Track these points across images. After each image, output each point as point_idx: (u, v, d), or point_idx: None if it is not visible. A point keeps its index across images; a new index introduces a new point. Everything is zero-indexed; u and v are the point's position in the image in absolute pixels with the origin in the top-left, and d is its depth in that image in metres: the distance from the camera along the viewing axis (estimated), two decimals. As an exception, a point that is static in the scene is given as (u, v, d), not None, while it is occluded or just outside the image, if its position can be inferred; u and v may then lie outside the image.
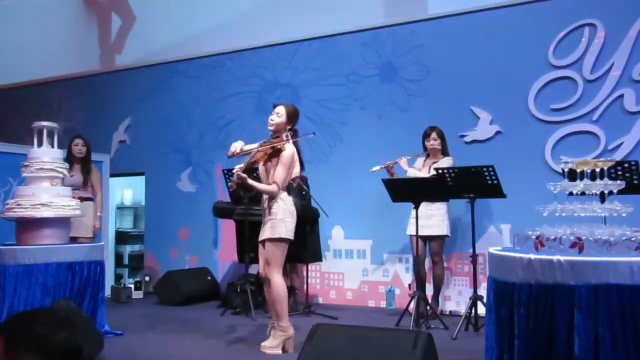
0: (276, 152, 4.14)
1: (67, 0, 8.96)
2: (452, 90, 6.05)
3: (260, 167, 4.26)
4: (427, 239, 5.38)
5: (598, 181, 2.93)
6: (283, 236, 4.07)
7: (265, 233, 4.11)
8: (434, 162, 5.33)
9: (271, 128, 4.25)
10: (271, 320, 4.25)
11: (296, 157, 4.21)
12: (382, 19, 6.53)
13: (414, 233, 5.05)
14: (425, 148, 5.47)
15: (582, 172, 2.99)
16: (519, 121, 5.72)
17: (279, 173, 4.09)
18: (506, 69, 5.80)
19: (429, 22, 6.24)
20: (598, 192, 2.93)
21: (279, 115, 4.22)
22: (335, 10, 6.82)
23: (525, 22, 5.78)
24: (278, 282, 4.10)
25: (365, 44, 6.58)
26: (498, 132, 5.83)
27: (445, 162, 5.28)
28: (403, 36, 6.37)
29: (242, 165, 4.12)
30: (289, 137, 4.16)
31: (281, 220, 4.08)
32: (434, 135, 5.41)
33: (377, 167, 5.44)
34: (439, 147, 5.41)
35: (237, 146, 4.22)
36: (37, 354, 1.61)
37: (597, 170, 2.97)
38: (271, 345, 4.12)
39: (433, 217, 5.28)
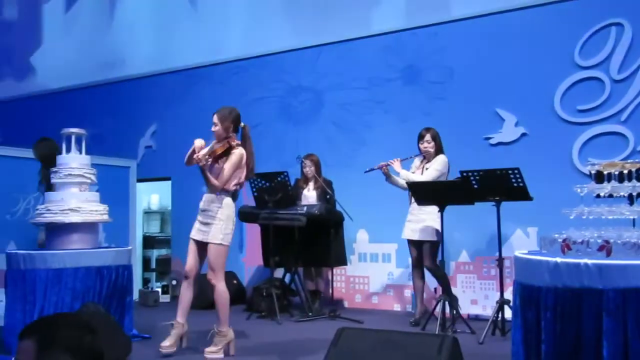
0: (226, 153, 4.23)
1: (94, 7, 9.11)
2: (476, 93, 6.01)
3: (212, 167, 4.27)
4: (418, 244, 5.33)
5: (626, 183, 2.89)
6: (224, 242, 4.19)
7: (209, 235, 4.17)
8: (428, 162, 5.33)
9: (216, 139, 4.33)
10: (215, 325, 4.24)
11: (244, 161, 4.31)
12: (404, 22, 6.52)
13: (407, 237, 5.33)
14: (419, 150, 5.39)
15: (609, 174, 2.95)
16: (545, 123, 5.66)
17: (225, 171, 4.20)
18: (531, 70, 5.74)
19: (452, 24, 6.21)
20: (626, 195, 2.89)
21: (215, 124, 4.32)
22: (357, 14, 6.82)
23: (551, 23, 5.71)
24: (222, 289, 4.22)
25: (388, 47, 6.57)
26: (524, 134, 5.77)
27: (437, 162, 5.25)
28: (425, 39, 6.35)
29: (206, 151, 4.15)
30: (233, 141, 4.28)
31: (224, 225, 4.18)
32: (427, 137, 5.32)
33: (371, 169, 5.41)
34: (432, 150, 5.31)
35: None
36: (70, 356, 1.63)
37: (625, 172, 2.92)
38: (213, 350, 4.17)
39: (425, 222, 5.22)
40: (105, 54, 8.85)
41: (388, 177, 5.41)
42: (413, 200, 5.29)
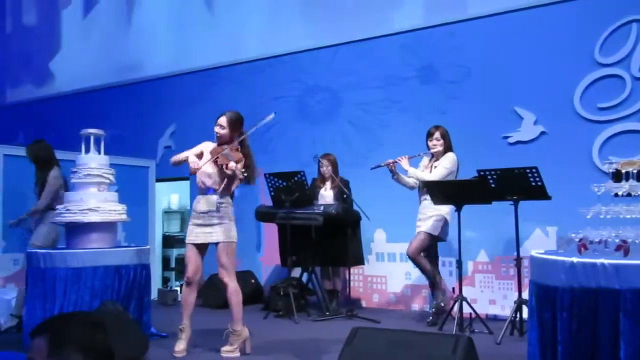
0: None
1: (113, 8, 9.21)
2: (494, 91, 5.96)
3: (213, 169, 4.25)
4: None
5: (644, 182, 2.85)
6: (235, 240, 4.27)
7: (217, 236, 4.20)
8: (437, 160, 5.28)
9: (218, 140, 4.32)
10: (230, 324, 4.28)
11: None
12: (421, 21, 6.49)
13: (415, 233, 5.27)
14: (428, 148, 5.35)
15: (627, 173, 2.91)
16: (564, 121, 5.59)
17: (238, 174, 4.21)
18: (550, 68, 5.68)
19: (469, 22, 6.17)
20: (644, 193, 2.85)
21: (222, 127, 4.29)
22: (374, 13, 6.81)
23: (570, 20, 5.65)
24: (236, 287, 4.27)
25: (405, 46, 6.55)
26: (543, 133, 5.71)
27: (446, 160, 5.20)
28: (442, 37, 6.31)
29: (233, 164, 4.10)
30: (239, 145, 4.27)
31: (231, 224, 4.26)
32: (437, 135, 5.27)
33: (378, 165, 5.36)
34: (441, 149, 5.26)
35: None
36: (82, 355, 1.65)
37: (644, 170, 2.88)
38: (229, 349, 4.20)
39: (431, 218, 5.20)
40: (124, 57, 8.94)
41: (394, 174, 5.36)
42: (423, 199, 5.27)
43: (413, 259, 5.27)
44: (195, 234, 4.27)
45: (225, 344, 4.25)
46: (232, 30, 7.87)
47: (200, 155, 4.29)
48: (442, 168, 5.18)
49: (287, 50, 7.37)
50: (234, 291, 4.26)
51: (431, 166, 5.30)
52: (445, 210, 5.18)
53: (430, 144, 5.30)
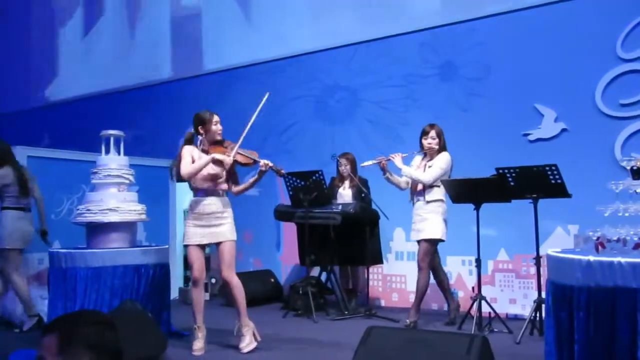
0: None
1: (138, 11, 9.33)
2: (514, 88, 5.90)
3: (217, 168, 4.36)
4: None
5: (664, 179, 2.80)
6: (235, 239, 4.39)
7: (223, 235, 4.32)
8: (430, 160, 5.07)
9: (220, 138, 4.48)
10: (237, 322, 4.37)
11: None
12: (440, 18, 6.44)
13: (414, 239, 5.09)
14: (422, 146, 5.14)
15: (646, 170, 2.85)
16: (586, 118, 5.50)
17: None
18: (571, 64, 5.60)
19: (488, 19, 6.10)
20: (664, 191, 2.79)
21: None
22: (393, 10, 6.78)
23: (591, 15, 5.56)
24: (239, 282, 4.37)
25: (424, 43, 6.51)
26: (564, 130, 5.63)
27: (441, 160, 5.00)
28: (462, 34, 6.26)
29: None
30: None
31: (233, 222, 4.41)
32: (432, 133, 5.06)
33: (369, 162, 5.23)
34: (436, 147, 5.06)
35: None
36: (92, 353, 1.68)
37: (664, 167, 2.83)
38: (247, 342, 4.28)
39: (426, 221, 4.98)
40: (144, 58, 9.04)
41: (385, 172, 5.14)
42: (417, 200, 5.09)
43: (428, 269, 5.12)
44: (201, 235, 4.32)
45: (240, 339, 4.31)
46: (252, 31, 7.90)
47: (193, 161, 4.33)
48: (437, 168, 4.98)
49: (306, 50, 7.37)
50: (239, 286, 4.37)
51: (425, 165, 5.10)
52: (441, 210, 5.02)
53: (425, 142, 5.09)
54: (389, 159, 5.11)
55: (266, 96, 4.52)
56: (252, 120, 4.48)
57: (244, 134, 4.44)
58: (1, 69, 11.27)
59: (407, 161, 5.24)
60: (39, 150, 6.61)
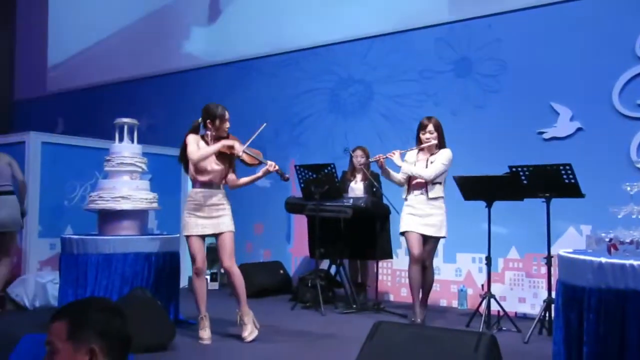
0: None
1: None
2: (530, 86, 5.85)
3: (220, 164, 4.42)
4: (423, 238, 4.86)
5: (680, 181, 2.76)
6: (234, 229, 4.45)
7: (225, 225, 4.38)
8: (432, 155, 4.87)
9: (226, 134, 4.51)
10: (237, 311, 4.42)
11: None
12: (456, 14, 6.39)
13: (410, 229, 4.82)
14: (419, 141, 4.93)
15: (662, 172, 2.82)
16: (602, 117, 5.45)
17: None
18: (589, 62, 5.54)
19: (505, 15, 6.05)
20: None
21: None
22: (409, 4, 6.74)
23: (609, 13, 5.49)
24: (239, 272, 4.43)
25: (440, 39, 6.47)
26: (579, 129, 5.58)
27: (443, 156, 4.80)
28: (478, 30, 6.21)
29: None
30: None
31: (231, 214, 4.46)
32: (430, 127, 4.84)
33: (366, 161, 5.17)
34: (435, 141, 4.85)
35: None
36: (101, 339, 1.69)
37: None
38: (249, 330, 4.32)
39: (432, 216, 4.82)
40: (161, 47, 9.06)
41: (384, 170, 4.96)
42: (419, 193, 4.85)
43: (429, 265, 5.00)
44: (202, 226, 4.36)
45: (242, 328, 4.35)
46: (267, 22, 7.88)
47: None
48: (440, 164, 4.79)
49: (321, 42, 7.35)
50: (240, 276, 4.41)
51: (427, 160, 4.88)
52: (445, 207, 4.91)
53: (423, 137, 4.87)
54: (387, 157, 4.94)
55: (263, 126, 4.63)
56: (258, 132, 4.58)
57: (253, 137, 4.54)
58: (17, 55, 11.34)
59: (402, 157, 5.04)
60: (53, 137, 6.65)
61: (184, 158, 4.43)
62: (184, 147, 4.38)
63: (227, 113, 4.44)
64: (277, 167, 4.40)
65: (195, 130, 4.44)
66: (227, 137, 4.47)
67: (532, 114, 5.77)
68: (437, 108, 6.41)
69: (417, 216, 4.84)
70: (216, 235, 4.41)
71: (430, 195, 4.85)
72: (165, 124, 8.55)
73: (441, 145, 4.91)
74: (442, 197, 4.90)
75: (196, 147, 4.29)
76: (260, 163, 4.47)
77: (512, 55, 5.99)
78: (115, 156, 4.88)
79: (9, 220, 5.17)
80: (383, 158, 4.93)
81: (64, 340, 1.65)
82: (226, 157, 4.41)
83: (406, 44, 6.72)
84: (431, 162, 4.84)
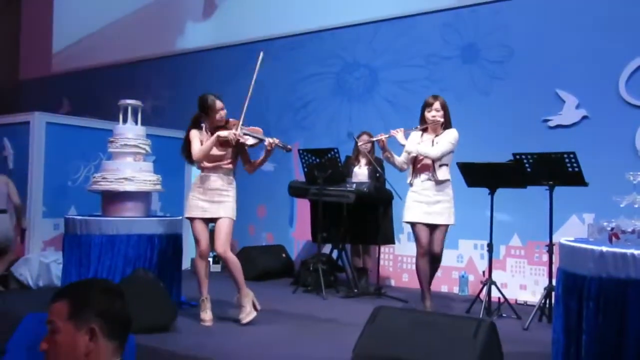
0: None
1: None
2: (536, 73, 5.81)
3: (221, 151, 4.41)
4: (430, 227, 4.70)
5: (683, 171, 2.75)
6: (235, 217, 4.43)
7: (224, 211, 4.35)
8: (437, 136, 4.67)
9: (222, 124, 4.49)
10: (237, 294, 4.41)
11: None
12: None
13: (416, 220, 4.66)
14: (424, 120, 4.73)
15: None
16: (608, 106, 5.42)
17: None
18: (596, 50, 5.50)
19: (513, 1, 6.00)
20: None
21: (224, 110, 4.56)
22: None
23: (617, 1, 5.43)
24: (234, 257, 4.40)
25: (446, 24, 6.42)
26: (585, 117, 5.56)
27: (450, 135, 4.63)
28: (486, 16, 6.16)
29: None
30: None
31: (234, 202, 4.42)
32: (436, 105, 4.65)
33: (369, 140, 5.11)
34: (441, 120, 4.66)
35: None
36: (102, 320, 1.70)
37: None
38: (246, 311, 4.32)
39: (439, 203, 4.64)
40: (165, 29, 9.02)
41: (385, 151, 4.73)
42: (425, 178, 4.68)
43: (439, 256, 4.82)
44: (203, 209, 4.36)
45: (240, 310, 4.35)
46: (273, 4, 7.83)
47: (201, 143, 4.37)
48: (447, 143, 4.61)
49: (327, 25, 7.31)
50: (236, 261, 4.39)
51: (432, 140, 4.68)
52: (452, 192, 4.76)
53: (429, 115, 4.66)
54: (390, 136, 4.75)
55: (261, 55, 4.54)
56: (251, 89, 4.59)
57: (244, 109, 4.49)
58: (22, 35, 11.32)
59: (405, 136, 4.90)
60: (57, 117, 6.67)
61: (185, 152, 4.45)
62: (186, 142, 4.42)
63: (218, 102, 4.42)
64: (276, 142, 4.35)
65: (196, 123, 4.43)
66: (226, 124, 4.43)
67: (538, 102, 5.75)
68: (442, 94, 6.25)
69: (424, 203, 4.67)
70: (215, 220, 4.41)
71: (439, 177, 4.64)
72: (170, 106, 8.55)
73: (447, 125, 4.74)
74: (449, 180, 4.73)
75: (198, 143, 4.33)
76: (262, 141, 4.42)
77: (519, 42, 5.95)
78: (119, 137, 4.88)
79: (0, 236, 5.56)
80: (386, 137, 4.73)
81: (65, 320, 1.66)
82: (227, 142, 4.39)
83: (413, 29, 6.68)
84: (437, 143, 4.66)
